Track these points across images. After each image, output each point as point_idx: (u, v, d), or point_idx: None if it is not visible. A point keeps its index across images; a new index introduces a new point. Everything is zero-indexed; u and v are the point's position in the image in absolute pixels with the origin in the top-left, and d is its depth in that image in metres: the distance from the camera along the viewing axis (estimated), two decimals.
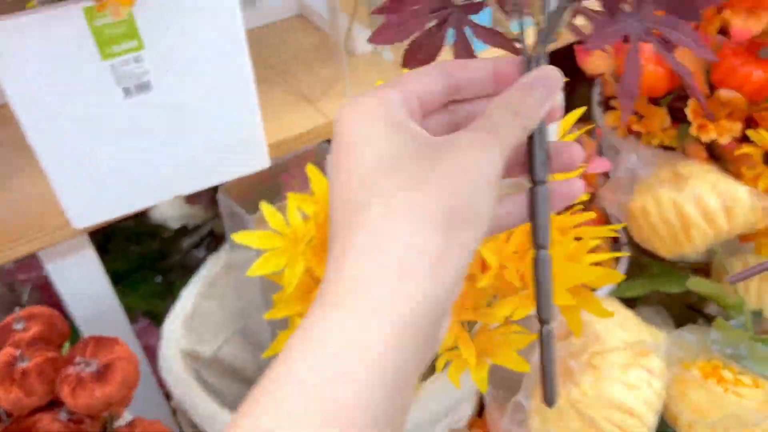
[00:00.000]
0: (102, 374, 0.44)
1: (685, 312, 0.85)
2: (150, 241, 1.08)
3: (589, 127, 0.66)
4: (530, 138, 0.30)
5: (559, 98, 0.30)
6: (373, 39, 0.32)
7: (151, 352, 0.77)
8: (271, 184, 0.75)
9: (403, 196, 0.25)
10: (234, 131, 0.60)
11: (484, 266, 0.50)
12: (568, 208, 0.47)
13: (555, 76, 0.29)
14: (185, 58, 0.54)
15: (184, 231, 1.10)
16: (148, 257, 1.07)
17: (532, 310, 0.47)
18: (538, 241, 0.31)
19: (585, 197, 0.54)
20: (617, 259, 0.81)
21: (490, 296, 0.52)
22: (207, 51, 0.55)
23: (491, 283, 0.49)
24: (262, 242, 0.56)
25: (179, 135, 0.56)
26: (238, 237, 0.55)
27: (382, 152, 0.26)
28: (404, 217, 0.25)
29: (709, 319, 0.82)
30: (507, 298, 0.49)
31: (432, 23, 0.32)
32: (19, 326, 0.52)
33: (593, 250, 0.79)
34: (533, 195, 0.30)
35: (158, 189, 0.58)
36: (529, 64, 0.30)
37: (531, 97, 0.28)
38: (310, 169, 0.63)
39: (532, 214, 0.31)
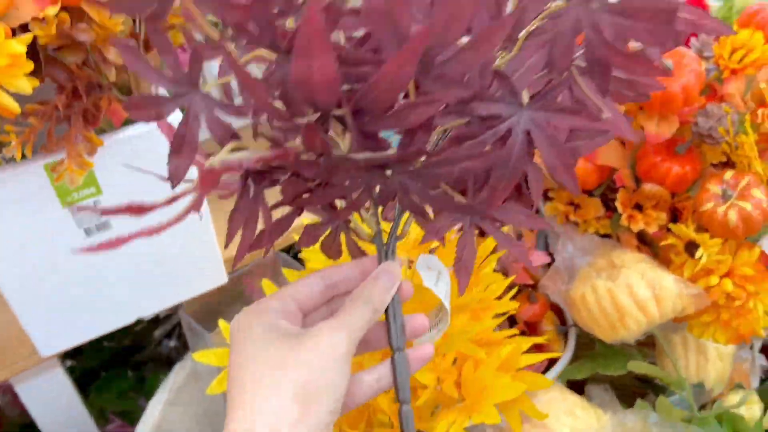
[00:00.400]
0: None
1: (635, 384, 0.89)
2: (122, 336, 1.10)
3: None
4: (387, 315, 0.38)
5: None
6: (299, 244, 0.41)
7: None
8: (233, 290, 0.79)
9: (270, 377, 0.33)
10: (191, 254, 0.64)
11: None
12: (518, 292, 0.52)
13: (396, 269, 0.38)
14: (142, 197, 0.58)
15: (156, 320, 1.13)
16: (120, 352, 1.09)
17: (469, 423, 0.52)
18: (399, 396, 0.38)
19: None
20: (565, 339, 0.86)
21: (433, 407, 0.56)
22: (162, 188, 0.59)
23: (432, 397, 0.53)
24: (221, 360, 0.59)
25: (138, 265, 0.60)
26: (198, 356, 0.59)
27: (258, 347, 0.35)
28: (270, 393, 0.33)
29: (657, 391, 0.86)
30: (446, 409, 0.53)
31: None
32: None
33: (542, 333, 0.84)
34: (393, 361, 0.38)
35: (120, 314, 0.62)
36: (385, 256, 0.38)
37: (377, 287, 0.37)
38: (266, 284, 0.67)
39: (394, 376, 0.38)
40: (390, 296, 0.37)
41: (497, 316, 0.56)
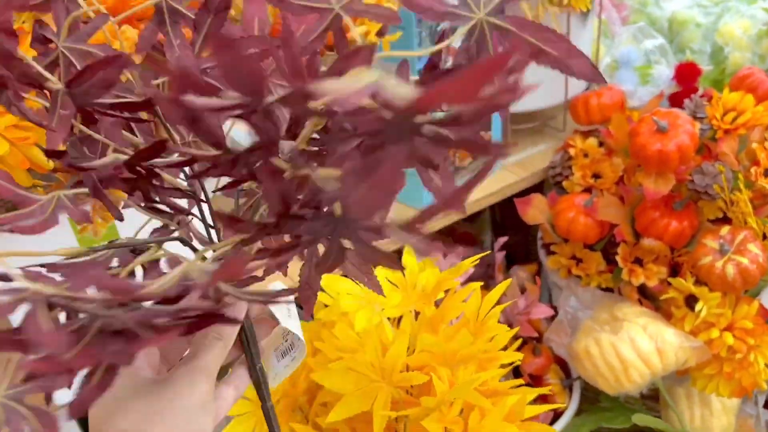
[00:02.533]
0: None
1: None
2: None
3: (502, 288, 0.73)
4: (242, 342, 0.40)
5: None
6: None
7: None
8: None
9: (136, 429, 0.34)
10: None
11: None
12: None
13: (241, 306, 0.39)
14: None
15: None
16: None
17: None
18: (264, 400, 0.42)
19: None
20: (570, 392, 0.86)
21: None
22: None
23: None
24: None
25: None
26: None
27: (120, 399, 0.34)
28: None
29: None
30: None
31: None
32: None
33: (546, 386, 0.85)
34: (254, 375, 0.41)
35: None
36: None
37: (226, 327, 0.38)
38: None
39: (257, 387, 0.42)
40: (237, 327, 0.39)
41: (502, 366, 0.57)
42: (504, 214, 1.26)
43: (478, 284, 0.56)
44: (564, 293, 0.82)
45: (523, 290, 0.86)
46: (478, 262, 0.59)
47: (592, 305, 0.81)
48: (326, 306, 0.66)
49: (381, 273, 0.56)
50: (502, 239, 0.88)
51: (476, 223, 1.28)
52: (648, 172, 0.75)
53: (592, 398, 0.88)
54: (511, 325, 0.76)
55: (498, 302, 0.58)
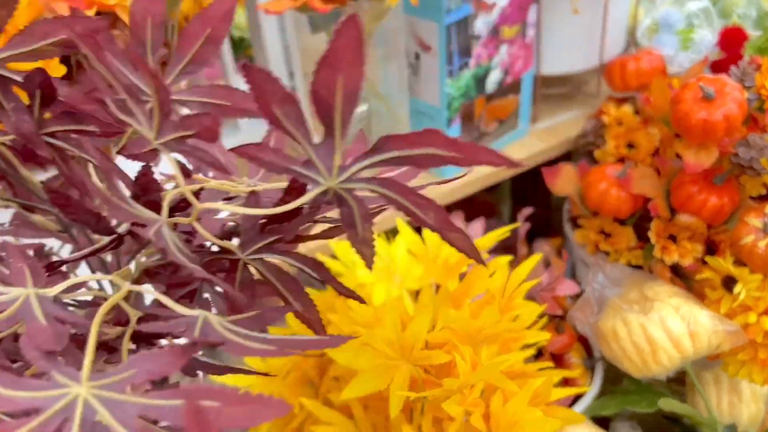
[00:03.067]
0: None
1: (662, 422, 0.85)
2: None
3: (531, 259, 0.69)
4: None
5: None
6: None
7: None
8: None
9: None
10: None
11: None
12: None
13: None
14: None
15: None
16: None
17: None
18: None
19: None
20: (592, 372, 0.83)
21: None
22: None
23: (459, 430, 0.51)
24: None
25: None
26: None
27: None
28: None
29: (685, 430, 0.83)
30: None
31: None
32: None
33: (568, 365, 0.81)
34: None
35: None
36: None
37: None
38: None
39: None
40: None
41: (527, 346, 0.54)
42: (525, 184, 1.21)
43: (506, 258, 0.51)
44: (592, 270, 0.78)
45: (546, 265, 0.81)
46: (506, 235, 0.55)
47: (620, 283, 0.76)
48: (341, 275, 0.62)
49: (402, 243, 0.52)
50: (527, 210, 0.83)
51: (495, 192, 1.23)
52: (689, 143, 0.70)
53: (614, 379, 0.84)
54: (534, 302, 0.71)
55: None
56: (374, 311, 0.51)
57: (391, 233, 0.60)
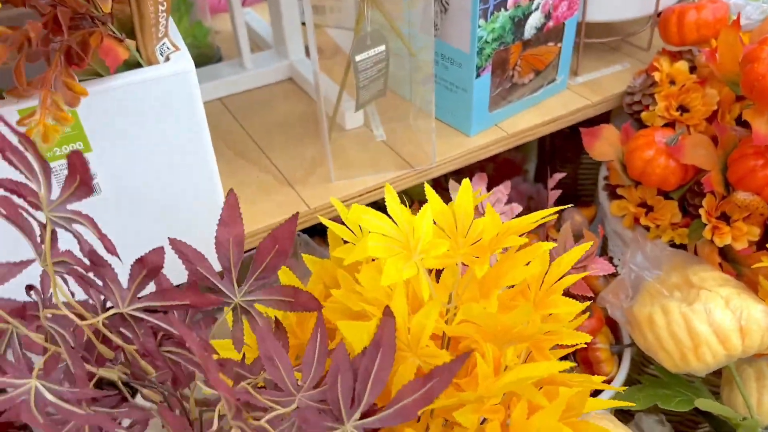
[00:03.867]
0: None
1: (690, 413, 0.78)
2: None
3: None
4: None
5: None
6: None
7: None
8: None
9: None
10: (195, 228, 0.54)
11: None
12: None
13: None
14: (138, 157, 0.48)
15: None
16: None
17: None
18: None
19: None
20: (619, 359, 0.75)
21: None
22: (164, 146, 0.49)
23: None
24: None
25: (132, 238, 0.50)
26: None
27: None
28: None
29: (715, 425, 0.75)
30: None
31: None
32: None
33: (594, 350, 0.73)
34: None
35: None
36: None
37: None
38: (283, 272, 0.57)
39: None
40: None
41: (559, 346, 0.45)
42: (554, 143, 1.11)
43: (549, 245, 0.43)
44: (630, 247, 0.69)
45: (577, 238, 0.73)
46: (552, 218, 0.46)
47: (661, 265, 0.68)
48: (345, 242, 0.54)
49: (428, 213, 0.43)
50: (558, 175, 0.74)
51: (520, 149, 1.13)
52: (761, 110, 0.60)
53: (642, 368, 0.76)
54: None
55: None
56: (387, 292, 0.43)
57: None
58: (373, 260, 0.48)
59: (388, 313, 0.38)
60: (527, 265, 0.41)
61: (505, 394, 0.44)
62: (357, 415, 0.37)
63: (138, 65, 0.46)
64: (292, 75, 0.83)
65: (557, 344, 0.46)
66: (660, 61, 0.74)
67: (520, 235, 0.41)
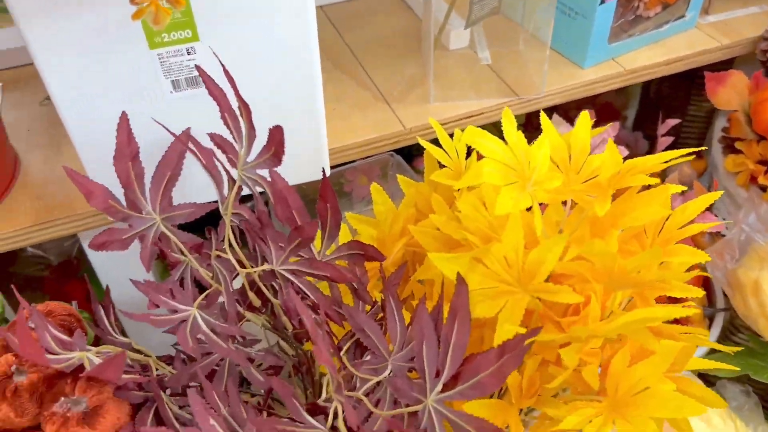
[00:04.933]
0: (90, 417, 0.39)
1: None
2: None
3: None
4: None
5: None
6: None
7: None
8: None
9: None
10: (292, 136, 0.52)
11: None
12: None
13: None
14: (244, 52, 0.46)
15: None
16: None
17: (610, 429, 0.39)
18: None
19: None
20: (710, 323, 0.71)
21: (560, 388, 0.44)
22: (271, 45, 0.47)
23: (566, 381, 0.41)
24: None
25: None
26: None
27: None
28: None
29: None
30: (579, 404, 0.41)
31: None
32: (31, 324, 0.47)
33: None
34: None
35: (201, 192, 0.52)
36: None
37: None
38: (374, 188, 0.55)
39: None
40: None
41: (672, 300, 0.42)
42: (661, 89, 1.04)
43: (676, 188, 0.39)
44: (744, 207, 0.64)
45: (683, 192, 0.67)
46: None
47: None
48: (442, 167, 0.51)
49: (545, 144, 0.40)
50: (672, 121, 0.68)
51: (623, 92, 1.06)
52: None
53: (726, 334, 0.72)
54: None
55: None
56: (490, 222, 0.40)
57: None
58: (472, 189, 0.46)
59: (461, 280, 0.37)
60: (649, 208, 0.37)
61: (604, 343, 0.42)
62: (439, 387, 0.37)
63: None
64: None
65: (661, 297, 0.43)
66: None
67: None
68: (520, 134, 0.41)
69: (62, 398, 0.40)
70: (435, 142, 0.50)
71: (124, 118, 0.43)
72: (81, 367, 0.41)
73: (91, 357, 0.40)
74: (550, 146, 0.40)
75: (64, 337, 0.41)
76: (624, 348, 0.40)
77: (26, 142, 0.61)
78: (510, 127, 0.41)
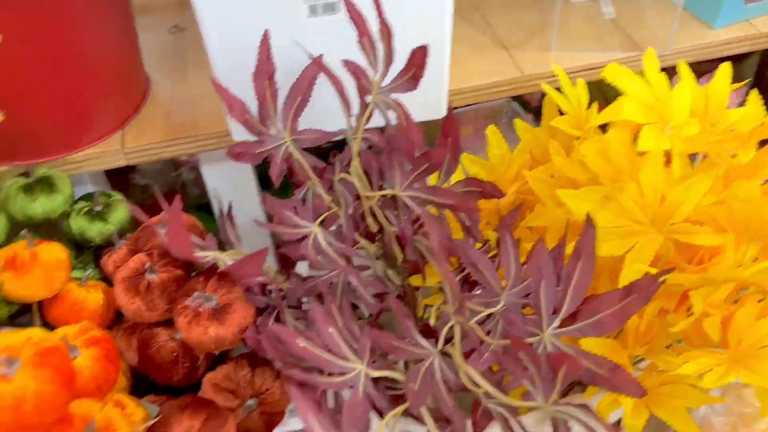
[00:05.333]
0: (219, 313, 0.42)
1: None
2: None
3: None
4: None
5: None
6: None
7: None
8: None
9: None
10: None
11: (680, 301, 0.41)
12: None
13: None
14: None
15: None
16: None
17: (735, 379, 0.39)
18: None
19: None
20: None
21: (674, 339, 0.43)
22: None
23: (686, 329, 0.40)
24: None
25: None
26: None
27: None
28: None
29: None
30: (696, 352, 0.40)
31: None
32: (162, 230, 0.50)
33: None
34: None
35: (329, 120, 0.53)
36: None
37: None
38: (491, 132, 0.55)
39: None
40: None
41: None
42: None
43: None
44: None
45: None
46: None
47: None
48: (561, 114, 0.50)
49: (686, 91, 0.39)
50: None
51: (739, 65, 1.01)
52: None
53: None
54: None
55: None
56: (617, 166, 0.40)
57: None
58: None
59: (589, 222, 0.36)
60: None
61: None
62: (556, 323, 0.37)
63: None
64: None
65: None
66: None
67: None
68: (663, 76, 0.40)
69: (196, 293, 0.42)
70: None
71: (266, 37, 0.44)
72: (212, 268, 0.44)
73: (224, 257, 0.42)
74: (692, 97, 0.39)
75: (199, 240, 0.44)
76: (749, 303, 0.39)
77: (156, 65, 0.64)
78: (652, 69, 0.41)
